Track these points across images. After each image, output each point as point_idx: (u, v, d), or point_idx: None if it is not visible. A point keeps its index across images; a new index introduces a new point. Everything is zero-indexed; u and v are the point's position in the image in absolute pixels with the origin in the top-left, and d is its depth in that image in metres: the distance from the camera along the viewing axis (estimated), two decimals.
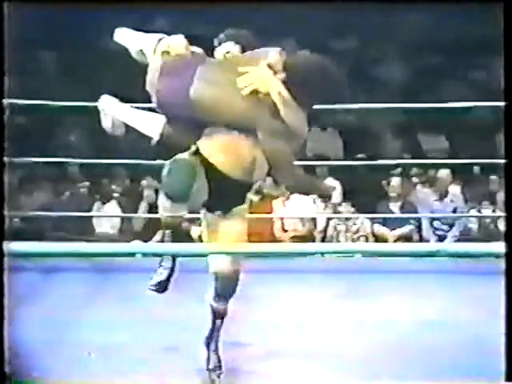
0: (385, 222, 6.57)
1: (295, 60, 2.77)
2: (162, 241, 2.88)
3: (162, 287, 2.88)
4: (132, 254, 2.18)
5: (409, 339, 3.97)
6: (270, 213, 6.58)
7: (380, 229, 6.55)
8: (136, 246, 2.44)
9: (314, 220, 6.64)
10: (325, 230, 6.59)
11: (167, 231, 2.84)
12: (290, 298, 4.74)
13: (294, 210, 6.69)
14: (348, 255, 6.25)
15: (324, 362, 3.74)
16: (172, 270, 2.91)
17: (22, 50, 7.63)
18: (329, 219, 6.59)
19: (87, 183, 6.95)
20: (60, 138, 7.49)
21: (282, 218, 6.61)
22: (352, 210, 6.68)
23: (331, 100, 2.86)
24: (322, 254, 6.32)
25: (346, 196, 6.87)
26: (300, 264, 5.48)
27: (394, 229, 6.52)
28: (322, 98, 2.76)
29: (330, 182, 6.97)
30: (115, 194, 6.74)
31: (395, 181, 6.79)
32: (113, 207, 6.64)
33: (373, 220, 6.57)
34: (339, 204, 6.79)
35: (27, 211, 6.54)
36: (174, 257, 2.89)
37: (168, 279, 2.89)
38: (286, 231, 6.59)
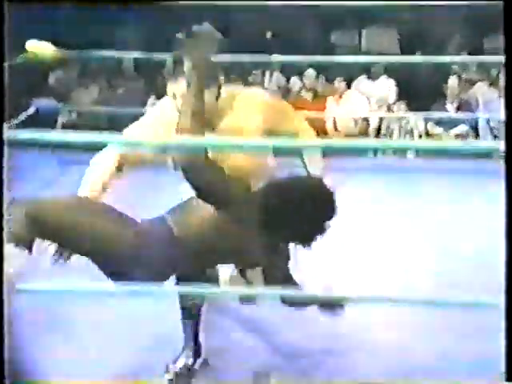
0: (440, 122, 6.47)
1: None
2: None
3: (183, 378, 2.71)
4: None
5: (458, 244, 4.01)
6: (323, 111, 6.54)
7: (434, 128, 6.46)
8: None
9: (366, 119, 6.58)
10: (378, 130, 6.53)
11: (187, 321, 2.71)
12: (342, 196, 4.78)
13: (348, 108, 6.63)
14: (401, 155, 6.23)
15: (373, 258, 3.82)
16: (196, 355, 2.75)
17: None
18: (382, 118, 6.53)
19: (142, 79, 6.99)
20: (115, 34, 7.48)
21: (334, 117, 6.57)
22: (406, 109, 6.59)
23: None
24: (375, 152, 6.32)
25: (401, 95, 6.76)
26: (353, 163, 5.49)
27: (449, 129, 6.42)
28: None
29: (385, 80, 6.87)
30: None
31: (453, 80, 6.64)
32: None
33: (427, 120, 6.47)
34: (393, 103, 6.70)
35: (83, 105, 6.64)
36: (196, 342, 2.74)
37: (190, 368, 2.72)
38: (338, 130, 6.57)
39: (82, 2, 6.41)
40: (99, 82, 7.07)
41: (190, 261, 2.24)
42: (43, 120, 5.59)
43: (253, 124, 2.40)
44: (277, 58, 6.32)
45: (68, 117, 6.48)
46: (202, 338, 2.76)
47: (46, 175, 5.23)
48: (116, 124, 6.35)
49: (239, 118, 2.40)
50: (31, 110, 5.89)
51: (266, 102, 2.49)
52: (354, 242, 4.00)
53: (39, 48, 3.19)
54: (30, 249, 2.05)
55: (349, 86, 6.83)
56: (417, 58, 6.35)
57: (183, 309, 2.70)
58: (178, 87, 2.29)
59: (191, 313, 2.71)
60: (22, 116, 5.61)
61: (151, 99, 6.78)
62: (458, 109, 6.53)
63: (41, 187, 4.97)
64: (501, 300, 1.41)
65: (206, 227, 2.22)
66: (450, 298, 1.55)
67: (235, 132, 2.35)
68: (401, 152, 6.18)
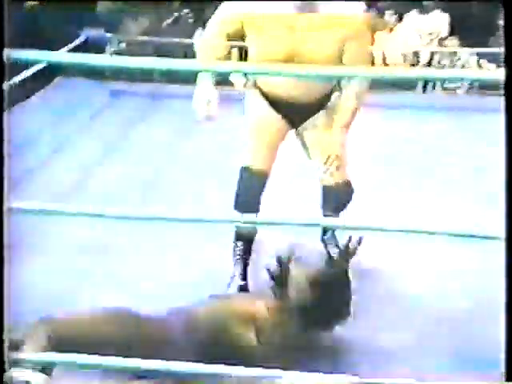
0: (494, 59, 6.30)
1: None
2: (234, 251, 2.74)
3: None
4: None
5: None
6: (372, 45, 6.43)
7: (487, 65, 6.31)
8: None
9: (417, 54, 6.45)
10: (428, 65, 6.41)
11: (239, 243, 2.74)
12: (391, 132, 4.75)
13: (398, 42, 6.50)
14: (450, 91, 6.12)
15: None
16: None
17: None
18: (433, 54, 6.39)
19: (188, 10, 6.95)
20: None
21: (384, 51, 6.46)
22: (459, 44, 6.43)
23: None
24: (424, 89, 6.22)
25: (454, 30, 6.59)
26: (402, 100, 5.43)
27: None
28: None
29: (438, 14, 6.69)
30: None
31: None
32: None
33: (480, 56, 6.31)
34: (445, 38, 6.54)
35: (132, 35, 6.65)
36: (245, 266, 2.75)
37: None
38: (387, 65, 6.46)
39: None
40: (147, 13, 7.06)
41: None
42: (92, 50, 5.63)
43: (342, 34, 2.49)
44: None
45: (117, 47, 6.51)
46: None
47: (98, 105, 5.29)
48: (164, 54, 6.35)
49: (335, 20, 2.51)
50: (80, 39, 5.93)
51: (364, 29, 2.59)
52: (398, 179, 3.99)
53: None
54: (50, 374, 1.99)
55: (400, 20, 6.68)
56: None
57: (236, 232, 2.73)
58: None
59: (243, 236, 2.74)
60: (72, 45, 5.65)
61: (199, 31, 6.75)
62: None
63: (92, 116, 5.05)
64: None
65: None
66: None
67: (324, 27, 2.48)
68: (451, 88, 6.08)
